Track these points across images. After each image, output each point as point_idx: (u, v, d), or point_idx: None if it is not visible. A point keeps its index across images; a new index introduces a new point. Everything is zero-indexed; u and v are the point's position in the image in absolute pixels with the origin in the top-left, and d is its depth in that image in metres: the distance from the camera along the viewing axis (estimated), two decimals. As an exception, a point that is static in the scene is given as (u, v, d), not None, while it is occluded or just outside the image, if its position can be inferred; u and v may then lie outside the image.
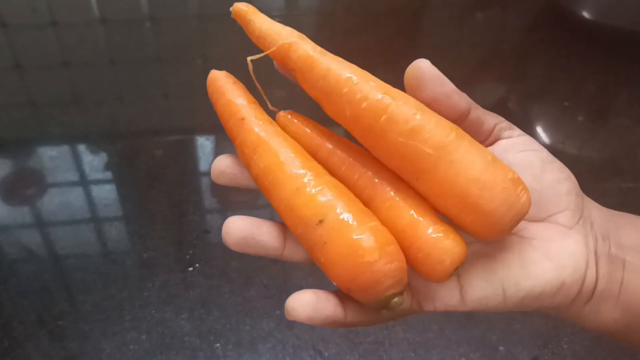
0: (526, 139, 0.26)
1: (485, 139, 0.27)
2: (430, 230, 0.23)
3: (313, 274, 0.66)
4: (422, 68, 0.24)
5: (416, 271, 0.24)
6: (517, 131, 0.27)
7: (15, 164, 0.85)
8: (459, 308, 0.25)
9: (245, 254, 0.25)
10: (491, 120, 0.26)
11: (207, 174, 0.84)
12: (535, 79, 1.05)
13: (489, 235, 0.23)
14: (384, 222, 0.23)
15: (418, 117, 0.22)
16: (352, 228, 0.21)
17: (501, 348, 0.60)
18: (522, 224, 0.26)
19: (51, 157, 0.84)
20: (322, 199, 0.22)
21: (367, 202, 0.24)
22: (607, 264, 0.25)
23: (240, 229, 0.24)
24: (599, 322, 0.26)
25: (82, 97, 0.97)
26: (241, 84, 0.27)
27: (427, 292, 0.25)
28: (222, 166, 0.26)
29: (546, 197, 0.25)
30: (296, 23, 1.28)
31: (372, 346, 0.60)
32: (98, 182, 0.80)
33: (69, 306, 0.63)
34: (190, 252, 0.69)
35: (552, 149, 0.96)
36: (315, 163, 0.24)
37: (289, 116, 0.27)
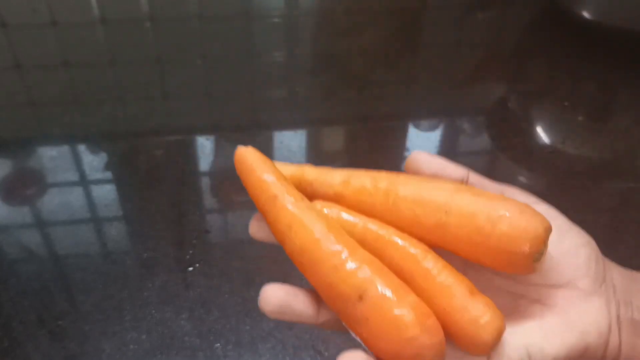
0: (543, 207, 0.27)
1: None
2: (469, 305, 0.24)
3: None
4: (417, 157, 0.27)
5: (456, 345, 0.24)
6: (533, 198, 0.27)
7: (15, 164, 0.85)
8: None
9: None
10: (496, 187, 0.27)
11: (207, 174, 0.84)
12: (535, 79, 1.05)
13: (520, 263, 0.24)
14: (424, 298, 0.24)
15: (422, 184, 0.25)
16: (393, 303, 0.22)
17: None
18: (543, 290, 0.26)
19: (51, 157, 0.84)
20: (361, 275, 0.23)
21: (405, 277, 0.25)
22: (630, 329, 0.25)
23: (278, 299, 0.25)
24: None
25: (82, 97, 0.97)
26: (269, 160, 0.27)
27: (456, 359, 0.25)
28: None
29: (565, 263, 0.26)
30: (296, 23, 1.28)
31: (372, 346, 0.60)
32: (98, 182, 0.80)
33: (69, 306, 0.63)
34: (190, 252, 0.69)
35: (552, 149, 0.96)
36: (350, 238, 0.25)
37: (324, 207, 0.28)
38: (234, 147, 0.27)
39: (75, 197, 0.77)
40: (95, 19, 1.18)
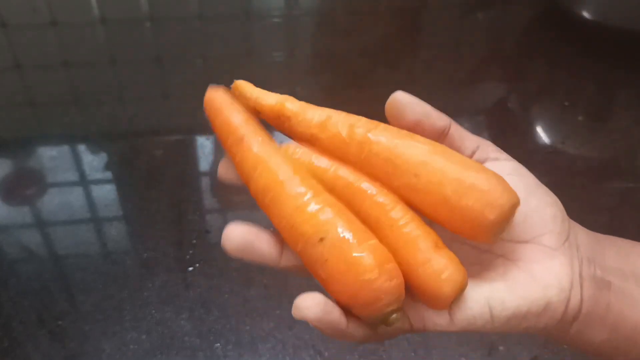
0: (513, 164, 0.27)
1: (470, 157, 0.27)
2: (432, 258, 0.23)
3: (313, 274, 0.66)
4: (400, 98, 0.26)
5: (417, 298, 0.24)
6: (504, 155, 0.27)
7: (15, 164, 0.85)
8: (448, 328, 0.25)
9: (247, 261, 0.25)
10: (474, 139, 0.27)
11: (207, 174, 0.84)
12: (535, 79, 1.05)
13: (484, 235, 0.24)
14: (388, 245, 0.24)
15: (396, 137, 0.25)
16: (353, 246, 0.22)
17: (501, 348, 0.60)
18: (507, 245, 0.26)
19: (51, 157, 0.84)
20: (322, 217, 0.23)
21: (372, 225, 0.25)
22: (592, 286, 0.26)
23: (240, 236, 0.25)
24: (587, 343, 0.26)
25: (82, 97, 0.97)
26: (239, 103, 0.27)
27: (416, 311, 0.25)
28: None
29: (531, 219, 0.26)
30: (296, 23, 1.28)
31: (372, 346, 0.60)
32: (98, 182, 0.80)
33: (69, 306, 0.63)
34: (190, 252, 0.69)
35: (552, 149, 0.96)
36: (315, 182, 0.25)
37: (296, 149, 0.27)
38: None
39: (75, 197, 0.77)
40: (95, 19, 1.18)
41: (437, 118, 0.26)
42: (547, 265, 0.25)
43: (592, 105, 0.98)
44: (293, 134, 0.28)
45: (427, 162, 0.24)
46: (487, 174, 0.24)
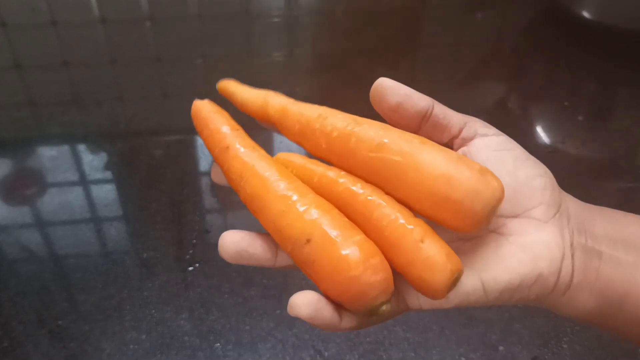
0: (502, 138, 0.27)
1: (457, 135, 0.27)
2: (424, 250, 0.24)
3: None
4: (382, 82, 0.26)
5: (414, 287, 0.24)
6: (493, 130, 0.27)
7: (15, 164, 0.85)
8: (443, 305, 0.25)
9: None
10: (460, 117, 0.27)
11: (207, 174, 0.84)
12: (535, 79, 1.05)
13: (468, 227, 0.24)
14: (380, 239, 0.24)
15: (382, 133, 0.25)
16: (338, 244, 0.23)
17: (501, 348, 0.60)
18: (498, 220, 0.26)
19: (51, 157, 0.84)
20: (307, 218, 0.24)
21: (361, 222, 0.25)
22: (583, 255, 0.26)
23: (234, 244, 0.26)
24: (577, 310, 0.27)
25: (82, 97, 0.97)
26: (224, 112, 0.28)
27: (412, 290, 0.26)
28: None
29: (521, 193, 0.26)
30: (296, 23, 1.28)
31: (372, 346, 0.60)
32: (98, 182, 0.80)
33: (69, 306, 0.63)
34: (190, 252, 0.69)
35: (552, 149, 0.96)
36: (300, 183, 0.26)
37: (288, 157, 0.28)
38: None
39: (75, 197, 0.77)
40: (95, 19, 1.18)
41: (419, 99, 0.26)
42: (537, 238, 0.25)
43: (592, 105, 0.98)
44: (280, 130, 0.28)
45: (412, 156, 0.24)
46: (471, 165, 0.24)
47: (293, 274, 0.67)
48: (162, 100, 0.98)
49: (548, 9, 1.19)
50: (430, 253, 0.24)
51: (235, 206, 0.79)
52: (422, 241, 0.24)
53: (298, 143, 0.28)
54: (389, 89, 0.26)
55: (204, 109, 0.27)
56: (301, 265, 0.24)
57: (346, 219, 0.24)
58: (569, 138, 0.89)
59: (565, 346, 0.60)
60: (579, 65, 1.04)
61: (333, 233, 0.23)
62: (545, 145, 0.88)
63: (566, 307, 0.27)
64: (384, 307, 0.23)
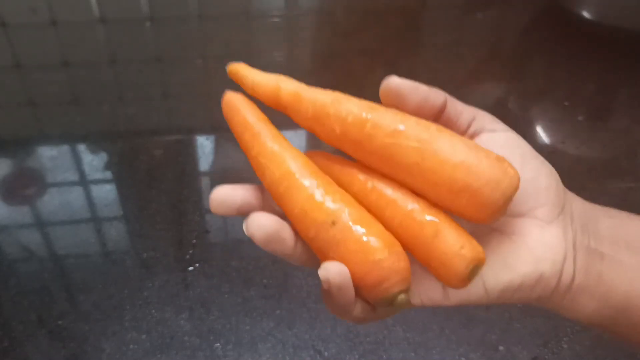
0: (509, 134, 0.27)
1: (466, 129, 0.27)
2: (448, 239, 0.24)
3: (313, 273, 0.66)
4: (395, 83, 0.26)
5: (436, 277, 0.25)
6: (501, 125, 0.27)
7: (15, 164, 0.85)
8: (444, 303, 0.26)
9: (269, 251, 0.25)
10: (470, 111, 0.27)
11: (207, 174, 0.84)
12: (535, 79, 1.05)
13: (484, 216, 0.24)
14: (398, 234, 0.25)
15: (398, 119, 0.25)
16: (363, 229, 0.24)
17: (501, 348, 0.60)
18: (502, 219, 0.26)
19: (51, 157, 0.84)
20: (333, 204, 0.25)
21: (381, 216, 0.26)
22: (585, 257, 0.26)
23: (269, 225, 0.25)
24: (578, 312, 0.27)
25: (82, 97, 0.97)
26: (255, 105, 0.29)
27: (413, 287, 0.26)
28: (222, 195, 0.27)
29: (526, 191, 0.26)
30: (296, 23, 1.28)
31: (372, 346, 0.60)
32: (98, 182, 0.80)
33: (69, 306, 0.63)
34: (190, 252, 0.69)
35: (552, 149, 0.96)
36: (324, 175, 0.26)
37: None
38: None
39: (75, 197, 0.77)
40: (95, 19, 1.18)
41: (435, 98, 0.26)
42: (540, 238, 0.25)
43: (592, 105, 0.98)
44: (291, 115, 0.29)
45: (429, 143, 0.24)
46: (489, 154, 0.24)
47: (293, 274, 0.67)
48: (162, 100, 0.98)
49: (548, 9, 1.19)
50: (449, 242, 0.24)
51: (235, 206, 0.79)
52: (440, 231, 0.24)
53: (310, 129, 0.27)
54: (405, 92, 0.26)
55: (235, 98, 0.29)
56: (323, 249, 0.25)
57: (367, 212, 0.25)
58: (569, 138, 0.89)
59: (565, 346, 0.60)
60: (579, 65, 1.04)
61: (358, 219, 0.24)
62: (545, 145, 0.88)
63: (567, 309, 0.26)
64: (401, 297, 0.24)
